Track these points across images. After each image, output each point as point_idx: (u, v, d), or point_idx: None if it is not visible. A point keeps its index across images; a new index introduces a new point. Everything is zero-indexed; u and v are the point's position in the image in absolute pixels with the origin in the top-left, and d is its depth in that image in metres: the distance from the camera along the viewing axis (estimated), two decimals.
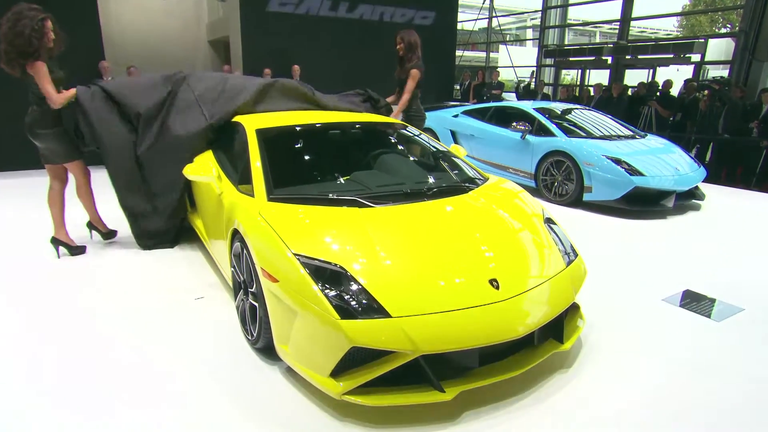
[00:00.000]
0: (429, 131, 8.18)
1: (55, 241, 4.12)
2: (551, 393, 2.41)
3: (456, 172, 3.58)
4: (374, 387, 2.13)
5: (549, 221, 3.00)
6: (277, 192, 2.90)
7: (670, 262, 4.25)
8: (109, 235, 4.49)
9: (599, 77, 14.14)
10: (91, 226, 4.44)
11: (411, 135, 4.07)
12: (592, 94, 10.29)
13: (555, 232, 2.90)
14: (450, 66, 13.16)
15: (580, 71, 15.17)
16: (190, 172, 3.23)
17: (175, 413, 2.24)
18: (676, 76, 11.00)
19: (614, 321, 3.14)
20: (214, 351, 2.74)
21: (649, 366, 2.67)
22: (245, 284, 2.76)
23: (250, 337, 2.73)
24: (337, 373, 2.14)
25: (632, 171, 5.58)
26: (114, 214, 4.65)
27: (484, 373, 2.25)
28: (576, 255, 2.82)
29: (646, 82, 11.06)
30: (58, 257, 4.10)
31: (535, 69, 16.09)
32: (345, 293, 2.16)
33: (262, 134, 3.39)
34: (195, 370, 2.56)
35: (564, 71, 17.20)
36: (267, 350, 2.60)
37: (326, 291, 2.15)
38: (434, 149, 3.94)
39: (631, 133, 6.81)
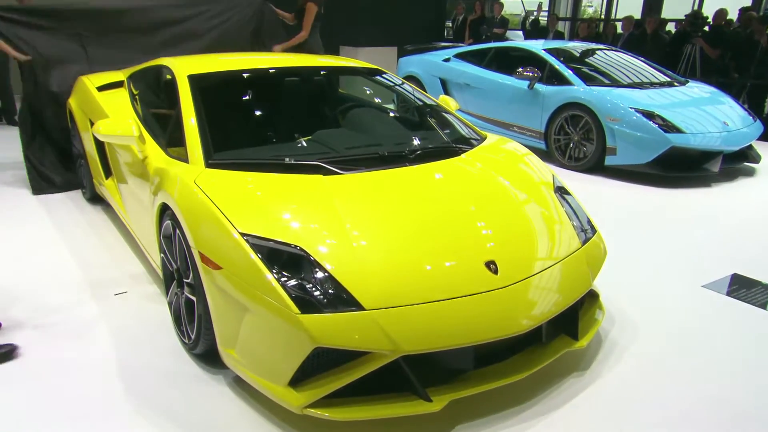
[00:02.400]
0: (413, 80, 8.19)
1: None
2: (563, 401, 2.51)
3: (446, 130, 3.63)
4: (344, 397, 2.19)
5: (561, 190, 3.08)
6: (218, 156, 2.91)
7: (715, 241, 4.40)
8: None
9: (630, 8, 14.22)
10: None
11: (390, 84, 4.09)
12: (619, 30, 10.38)
13: (569, 204, 2.98)
14: None
15: (605, 1, 15.25)
16: (101, 130, 3.18)
17: None
18: (730, 4, 11.03)
19: (642, 312, 3.25)
20: (141, 359, 2.77)
21: (686, 368, 2.78)
22: (179, 274, 2.78)
23: (186, 341, 2.76)
24: (297, 381, 2.19)
25: (668, 127, 5.71)
26: None
27: (481, 377, 2.32)
28: (594, 231, 2.91)
29: (693, 11, 11.09)
30: None
31: None
32: (307, 282, 2.20)
33: (198, 82, 3.37)
34: (117, 385, 2.58)
35: (585, 1, 17.27)
36: (209, 356, 2.64)
37: (283, 279, 2.19)
38: (419, 102, 3.96)
39: (669, 79, 6.94)
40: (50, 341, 2.91)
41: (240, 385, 2.55)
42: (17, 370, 2.67)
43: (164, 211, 2.86)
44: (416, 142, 3.35)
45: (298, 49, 6.28)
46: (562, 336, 2.61)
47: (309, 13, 6.19)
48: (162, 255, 2.99)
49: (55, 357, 2.78)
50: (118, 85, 4.49)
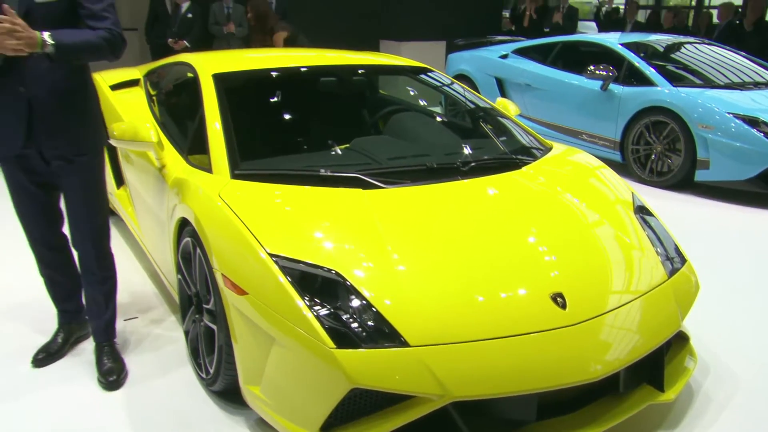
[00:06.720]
0: (465, 79, 8.21)
1: None
2: None
3: (504, 138, 3.64)
4: None
5: (642, 211, 3.06)
6: (245, 165, 2.97)
7: None
8: None
9: None
10: None
11: (439, 84, 4.13)
12: (715, 20, 10.21)
13: (651, 227, 2.95)
14: None
15: None
16: (116, 134, 3.26)
17: None
18: None
19: (744, 362, 3.16)
20: (152, 395, 2.82)
21: None
22: (198, 299, 2.84)
23: (204, 376, 2.81)
24: (330, 426, 2.21)
25: None
26: None
27: (544, 430, 2.31)
28: (683, 261, 2.87)
29: None
30: None
31: None
32: (343, 311, 2.23)
33: (224, 82, 3.46)
34: (122, 425, 2.63)
35: None
36: (229, 394, 2.68)
37: (316, 308, 2.22)
38: (471, 105, 3.99)
39: None
40: (46, 374, 2.97)
41: (264, 428, 2.58)
42: (14, 411, 2.75)
43: (183, 227, 2.93)
44: (469, 152, 3.37)
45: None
46: (644, 386, 2.56)
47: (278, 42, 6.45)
48: (179, 276, 3.05)
49: (53, 393, 2.83)
50: (133, 83, 4.64)
